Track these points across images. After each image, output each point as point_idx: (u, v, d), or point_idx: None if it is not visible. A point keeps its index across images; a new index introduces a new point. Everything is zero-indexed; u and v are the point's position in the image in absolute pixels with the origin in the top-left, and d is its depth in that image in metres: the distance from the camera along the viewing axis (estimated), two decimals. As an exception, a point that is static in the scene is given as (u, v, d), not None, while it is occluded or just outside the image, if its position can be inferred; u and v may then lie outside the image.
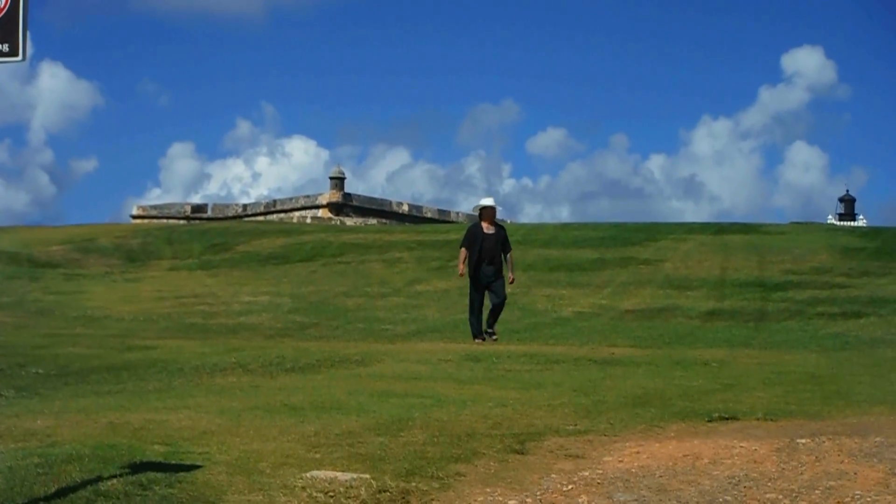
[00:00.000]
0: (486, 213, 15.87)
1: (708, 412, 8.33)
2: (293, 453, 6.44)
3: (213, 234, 41.67)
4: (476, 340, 15.10)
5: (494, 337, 15.26)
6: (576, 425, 7.78)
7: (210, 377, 10.83)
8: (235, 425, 7.36)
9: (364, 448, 6.65)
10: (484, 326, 15.47)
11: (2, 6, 5.18)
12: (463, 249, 15.70)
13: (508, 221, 62.66)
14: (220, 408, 8.21)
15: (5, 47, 5.20)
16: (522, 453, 6.74)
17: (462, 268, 15.64)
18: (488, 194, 16.44)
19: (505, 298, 15.56)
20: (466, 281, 25.31)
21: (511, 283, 15.78)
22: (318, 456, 6.40)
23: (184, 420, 7.52)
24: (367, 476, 5.86)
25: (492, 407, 8.54)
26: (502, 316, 15.89)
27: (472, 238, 15.69)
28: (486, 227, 15.78)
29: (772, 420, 8.03)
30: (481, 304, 15.60)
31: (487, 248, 15.52)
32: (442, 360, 12.39)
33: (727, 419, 8.07)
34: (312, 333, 17.10)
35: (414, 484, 5.80)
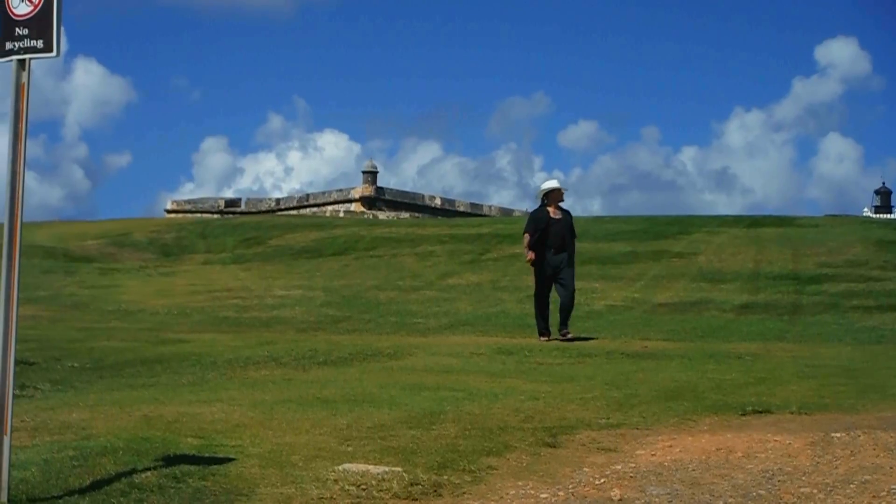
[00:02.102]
0: (553, 196, 14.60)
1: (741, 406, 8.28)
2: (325, 446, 6.46)
3: (246, 228, 41.84)
4: (542, 338, 14.14)
5: (570, 335, 14.02)
6: (608, 419, 7.76)
7: (243, 370, 10.89)
8: (268, 418, 7.39)
9: (396, 441, 6.66)
10: (552, 327, 14.35)
11: (36, 2, 5.22)
12: (526, 235, 14.61)
13: (541, 215, 62.61)
14: (252, 401, 8.26)
15: (40, 43, 5.24)
16: (554, 447, 6.74)
17: (530, 253, 14.48)
18: (554, 179, 15.11)
19: (574, 291, 14.50)
20: (501, 275, 25.39)
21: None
22: (350, 449, 6.43)
23: (217, 413, 7.56)
24: (399, 469, 5.87)
25: (524, 400, 8.54)
26: (550, 317, 14.61)
27: (537, 224, 14.52)
28: (553, 212, 14.57)
29: (806, 414, 7.98)
30: (548, 296, 14.47)
31: (555, 235, 14.37)
32: (474, 354, 12.40)
33: (761, 413, 8.03)
34: (345, 327, 17.15)
35: (446, 477, 5.80)
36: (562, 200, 14.73)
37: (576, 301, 14.79)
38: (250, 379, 10.09)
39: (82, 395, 8.85)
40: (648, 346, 13.51)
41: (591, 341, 13.97)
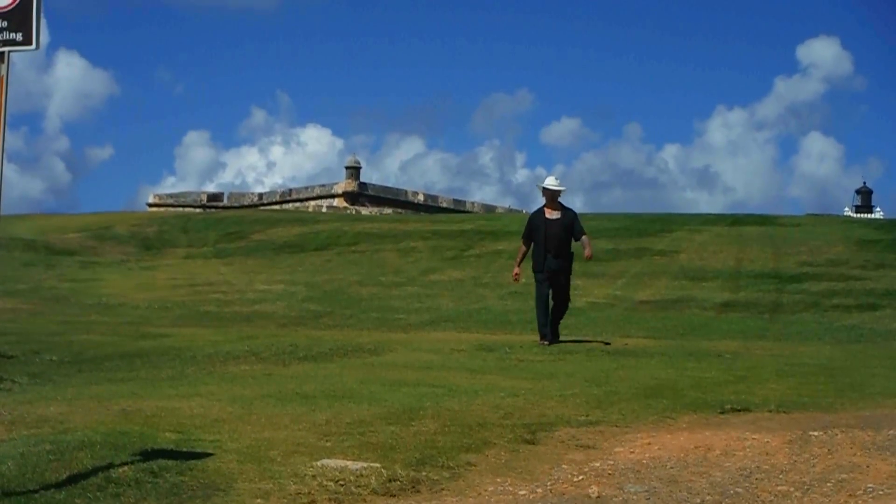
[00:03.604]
0: (548, 195, 13.62)
1: (720, 404, 8.31)
2: (304, 442, 6.45)
3: (228, 222, 41.74)
4: (542, 342, 13.22)
5: (558, 340, 13.42)
6: (587, 416, 7.77)
7: (223, 365, 10.87)
8: (247, 413, 7.38)
9: (375, 437, 6.66)
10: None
11: (15, -6, 5.20)
12: (521, 247, 13.86)
13: (524, 211, 62.59)
14: (232, 396, 8.24)
15: (19, 36, 5.22)
16: (533, 443, 6.74)
17: (517, 271, 13.90)
18: (551, 176, 13.82)
19: (568, 299, 13.76)
20: (483, 271, 25.42)
21: (588, 258, 13.63)
22: (328, 444, 6.42)
23: (196, 408, 7.54)
24: (378, 465, 5.87)
25: (503, 397, 8.54)
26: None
27: (533, 227, 13.65)
28: (550, 213, 13.61)
29: (784, 412, 8.01)
30: (548, 299, 13.53)
31: (552, 237, 13.44)
32: (454, 350, 12.40)
33: (739, 411, 8.05)
34: (326, 322, 17.13)
35: (424, 473, 5.80)
36: (557, 199, 13.64)
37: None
38: (230, 374, 10.07)
39: (60, 388, 8.81)
40: (629, 343, 13.54)
41: (571, 338, 13.98)
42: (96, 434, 6.28)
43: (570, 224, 13.59)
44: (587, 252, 13.48)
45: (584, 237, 13.53)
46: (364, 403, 7.97)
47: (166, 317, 17.81)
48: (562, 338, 13.59)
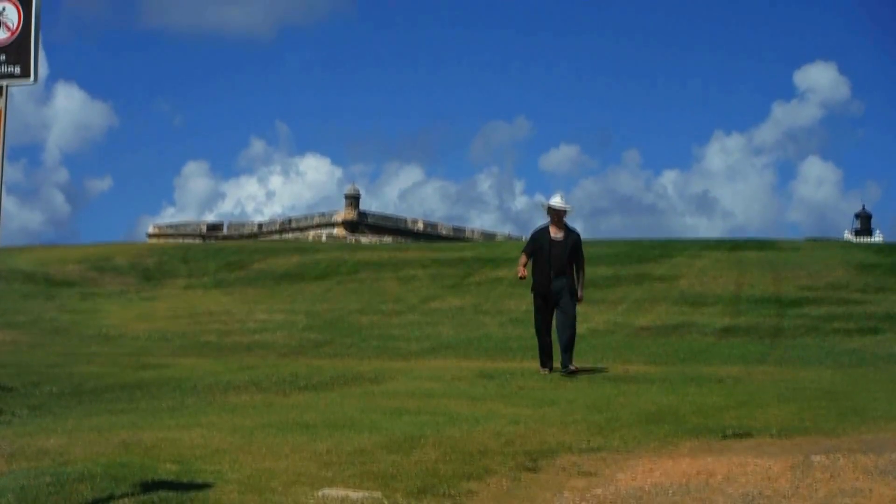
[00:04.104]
0: (554, 214, 13.18)
1: (722, 429, 8.29)
2: (305, 471, 6.44)
3: (228, 252, 41.73)
4: (542, 370, 12.95)
5: (574, 369, 12.69)
6: (589, 442, 7.75)
7: (223, 395, 10.84)
8: (248, 443, 7.36)
9: (376, 466, 6.64)
10: (555, 360, 13.05)
11: (13, 29, 5.23)
12: (523, 255, 13.41)
13: (523, 238, 62.65)
14: (232, 426, 8.22)
15: (17, 69, 5.25)
16: (535, 471, 6.72)
17: (523, 270, 13.35)
18: (557, 195, 13.25)
19: (574, 320, 13.10)
20: (483, 299, 25.38)
21: (578, 301, 13.16)
22: (329, 474, 6.40)
23: (196, 438, 7.52)
24: (379, 494, 5.85)
25: (504, 424, 8.52)
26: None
27: (536, 244, 13.21)
28: (555, 232, 13.15)
29: (786, 437, 7.99)
30: (549, 324, 13.12)
31: (555, 257, 12.99)
32: (455, 378, 12.38)
33: (741, 436, 8.03)
34: (327, 351, 17.10)
35: (426, 502, 5.79)
36: (563, 219, 13.20)
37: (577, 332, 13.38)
38: (230, 404, 10.05)
39: (61, 420, 8.79)
40: (630, 369, 13.50)
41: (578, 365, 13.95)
42: (96, 466, 6.26)
43: (574, 247, 13.14)
44: (578, 293, 13.09)
45: (581, 271, 13.19)
46: (365, 432, 7.95)
47: (166, 347, 17.79)
48: (576, 368, 12.81)
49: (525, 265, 13.38)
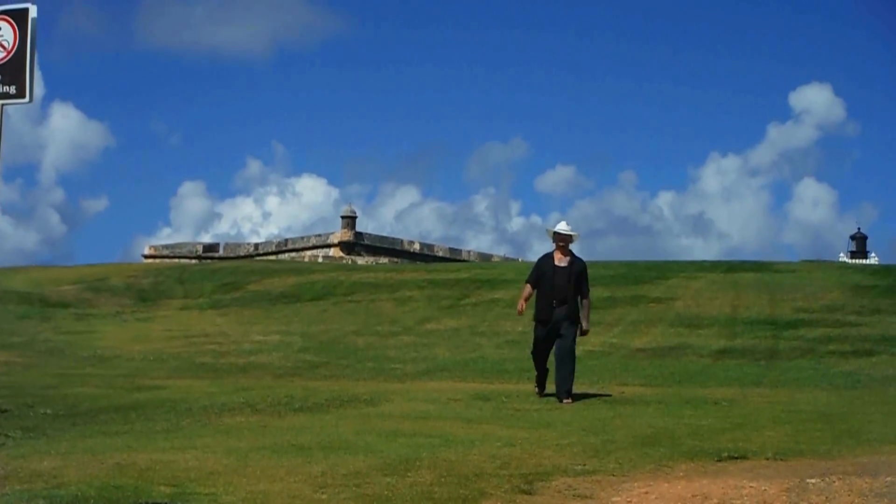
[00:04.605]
0: (558, 240, 12.77)
1: (717, 451, 8.29)
2: (300, 494, 6.42)
3: (224, 273, 41.71)
4: (537, 390, 12.81)
5: (567, 402, 12.16)
6: (584, 465, 7.74)
7: (218, 417, 10.82)
8: (242, 465, 7.34)
9: (371, 489, 6.63)
10: (553, 386, 12.52)
11: (9, 48, 5.24)
12: (527, 286, 12.94)
13: (520, 259, 62.63)
14: (227, 448, 8.20)
15: (12, 89, 5.27)
16: (530, 493, 6.71)
17: (522, 304, 12.97)
18: (563, 219, 12.88)
19: (574, 352, 12.58)
20: (479, 320, 25.37)
21: (584, 333, 12.75)
22: (324, 497, 6.38)
23: (191, 460, 7.51)
24: (374, 517, 5.83)
25: (500, 447, 8.51)
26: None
27: (541, 273, 12.75)
28: (559, 259, 12.72)
29: (782, 459, 7.98)
30: (547, 353, 12.69)
31: (559, 286, 12.53)
32: (451, 400, 12.37)
33: (737, 458, 8.03)
34: (322, 373, 17.08)
35: (420, 525, 5.77)
36: (565, 245, 12.74)
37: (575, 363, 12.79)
38: (225, 426, 10.03)
39: (54, 442, 8.77)
40: (626, 391, 13.49)
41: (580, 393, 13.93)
42: (90, 488, 6.24)
43: (579, 275, 12.66)
44: (584, 325, 12.63)
45: (585, 301, 12.72)
46: (360, 454, 7.94)
47: (161, 369, 17.75)
48: (550, 383, 12.64)
49: (527, 298, 12.93)
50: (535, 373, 13.13)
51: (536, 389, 12.95)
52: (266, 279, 38.09)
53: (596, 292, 28.92)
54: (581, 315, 12.64)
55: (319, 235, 68.75)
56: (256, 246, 71.27)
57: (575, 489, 6.86)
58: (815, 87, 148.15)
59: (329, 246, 66.22)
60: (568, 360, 12.42)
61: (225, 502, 6.08)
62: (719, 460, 7.96)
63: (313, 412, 11.23)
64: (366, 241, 66.82)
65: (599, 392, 13.35)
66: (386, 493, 6.50)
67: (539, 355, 12.84)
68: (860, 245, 79.57)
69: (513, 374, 15.97)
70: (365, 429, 9.54)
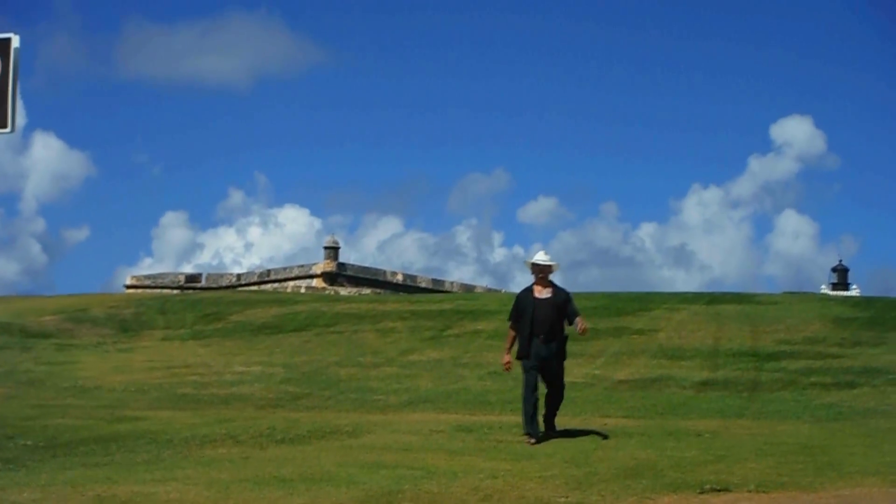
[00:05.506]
0: (537, 271, 12.09)
1: (700, 484, 8.28)
2: (281, 526, 6.39)
3: (206, 303, 41.56)
4: (529, 441, 11.47)
5: (550, 434, 11.90)
6: (567, 497, 7.73)
7: (199, 448, 10.77)
8: (224, 498, 7.31)
9: (353, 521, 6.60)
10: (540, 424, 11.93)
11: (-8, 80, 5.25)
12: (510, 331, 12.15)
13: (502, 290, 62.64)
14: (208, 480, 8.16)
15: (-5, 120, 5.26)
16: (513, 526, 6.69)
17: (507, 358, 12.07)
18: (541, 251, 12.17)
19: (563, 387, 12.15)
20: (462, 351, 25.36)
21: (582, 331, 11.91)
22: (306, 529, 6.35)
23: (172, 492, 7.47)
24: (356, 550, 5.81)
25: (483, 479, 8.49)
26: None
27: (521, 308, 12.00)
28: (539, 291, 12.04)
29: (764, 492, 7.99)
30: (535, 389, 11.81)
31: (540, 319, 11.81)
32: (434, 431, 12.34)
33: (719, 491, 8.03)
34: (304, 404, 17.02)
35: (402, 558, 5.75)
36: (545, 276, 12.07)
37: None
38: (207, 457, 9.98)
39: (34, 474, 8.71)
40: (608, 423, 13.49)
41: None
42: (70, 521, 6.20)
43: (563, 305, 11.99)
44: (581, 326, 11.89)
45: (577, 318, 12.01)
46: (342, 487, 7.91)
47: (143, 400, 17.66)
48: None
49: (512, 344, 12.08)
50: (517, 408, 12.40)
51: (530, 440, 11.51)
52: (248, 310, 37.98)
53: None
54: (578, 325, 11.93)
55: (302, 266, 68.65)
56: (239, 276, 71.09)
57: (557, 521, 6.85)
58: (795, 119, 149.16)
59: (311, 276, 66.11)
60: (558, 399, 12.15)
61: (206, 535, 6.04)
62: (702, 492, 7.97)
63: (295, 444, 11.18)
64: (348, 272, 66.74)
65: (582, 427, 13.34)
66: (368, 525, 6.48)
67: (529, 396, 11.81)
68: (842, 277, 79.99)
69: (495, 406, 15.95)
70: (347, 461, 9.51)
